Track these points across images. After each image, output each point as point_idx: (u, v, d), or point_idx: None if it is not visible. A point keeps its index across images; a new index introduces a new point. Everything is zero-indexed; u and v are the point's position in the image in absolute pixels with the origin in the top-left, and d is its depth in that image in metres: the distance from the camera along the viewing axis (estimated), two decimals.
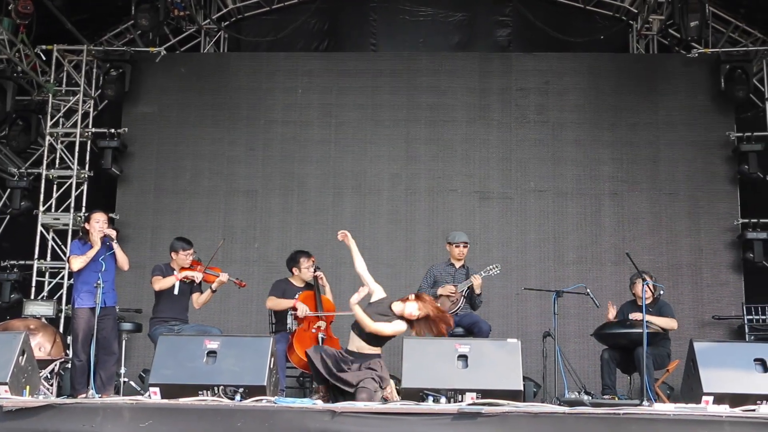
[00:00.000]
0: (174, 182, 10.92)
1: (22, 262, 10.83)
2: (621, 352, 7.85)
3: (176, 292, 7.73)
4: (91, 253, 7.43)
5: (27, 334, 6.37)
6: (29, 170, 11.20)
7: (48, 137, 11.06)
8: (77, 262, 7.43)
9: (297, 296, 7.77)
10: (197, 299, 7.93)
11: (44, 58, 11.06)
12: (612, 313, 8.11)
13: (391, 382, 6.62)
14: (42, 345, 8.54)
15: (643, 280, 7.18)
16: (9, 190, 10.96)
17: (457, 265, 8.35)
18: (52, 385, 8.38)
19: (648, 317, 7.28)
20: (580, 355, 9.39)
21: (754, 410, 5.49)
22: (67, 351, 8.86)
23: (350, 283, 9.97)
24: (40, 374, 7.29)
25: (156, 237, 10.45)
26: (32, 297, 10.50)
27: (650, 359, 7.36)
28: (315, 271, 7.95)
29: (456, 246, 8.32)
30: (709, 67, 10.82)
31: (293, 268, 7.98)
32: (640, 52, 11.49)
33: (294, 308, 7.64)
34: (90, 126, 11.17)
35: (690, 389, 6.20)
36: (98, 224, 7.48)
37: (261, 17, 11.95)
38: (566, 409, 5.29)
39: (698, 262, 10.39)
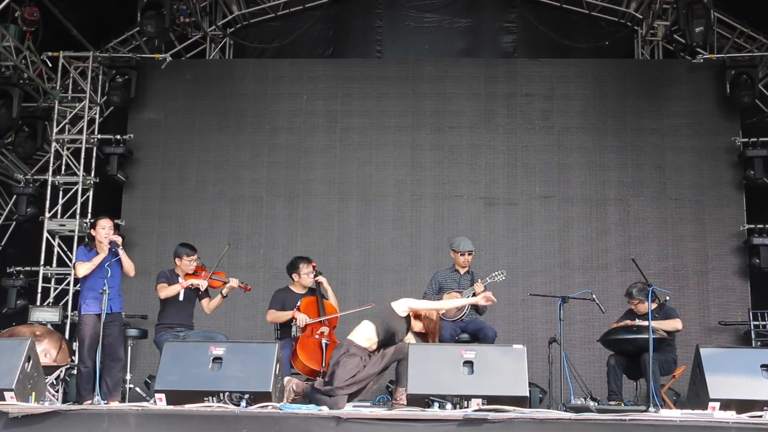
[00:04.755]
0: (179, 188, 10.94)
1: (28, 269, 10.86)
2: (627, 358, 7.81)
3: (181, 298, 7.75)
4: (97, 259, 7.43)
5: (33, 340, 6.38)
6: (35, 177, 11.24)
7: (54, 144, 11.09)
8: (83, 269, 7.42)
9: (298, 304, 7.76)
10: (207, 305, 7.95)
11: (50, 65, 11.09)
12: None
13: None
14: (48, 351, 8.56)
15: (649, 286, 7.16)
16: (15, 196, 11.01)
17: (462, 271, 8.33)
18: (57, 392, 8.39)
19: (654, 323, 7.25)
20: (586, 361, 9.35)
21: (760, 416, 5.48)
22: (73, 357, 8.87)
23: (355, 287, 10.07)
24: (46, 380, 7.31)
25: (161, 243, 10.44)
26: (38, 303, 10.51)
27: (656, 365, 7.33)
28: (316, 276, 7.94)
29: (461, 254, 8.29)
30: (714, 73, 10.81)
31: (293, 274, 7.96)
32: (645, 58, 11.50)
33: (293, 318, 7.65)
34: (96, 132, 11.20)
35: (696, 395, 6.18)
36: (104, 230, 7.47)
37: (266, 24, 11.99)
38: (572, 416, 5.29)
39: (704, 268, 10.37)
